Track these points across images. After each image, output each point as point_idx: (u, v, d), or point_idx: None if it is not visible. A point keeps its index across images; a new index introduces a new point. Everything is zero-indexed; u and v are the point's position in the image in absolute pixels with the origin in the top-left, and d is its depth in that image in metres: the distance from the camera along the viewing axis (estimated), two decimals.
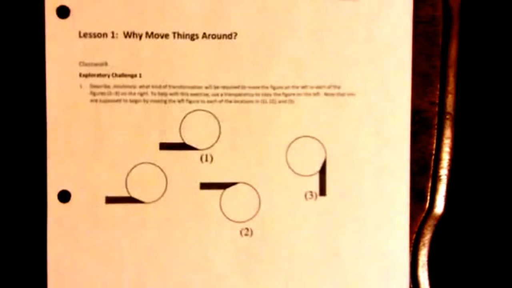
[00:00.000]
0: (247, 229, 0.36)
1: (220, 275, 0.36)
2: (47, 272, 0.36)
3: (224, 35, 0.36)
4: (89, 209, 0.36)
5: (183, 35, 0.36)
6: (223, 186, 0.36)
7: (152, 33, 0.35)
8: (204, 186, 0.36)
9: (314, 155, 0.36)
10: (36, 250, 0.36)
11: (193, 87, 0.36)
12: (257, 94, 0.36)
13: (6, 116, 0.36)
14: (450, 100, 0.37)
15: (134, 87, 0.35)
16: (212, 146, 0.36)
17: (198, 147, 0.36)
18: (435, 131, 0.37)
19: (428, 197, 0.37)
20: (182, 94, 0.36)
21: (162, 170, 0.36)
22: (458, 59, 0.37)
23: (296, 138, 0.36)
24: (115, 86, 0.35)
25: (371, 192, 0.36)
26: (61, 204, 0.35)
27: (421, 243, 0.37)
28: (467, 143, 0.38)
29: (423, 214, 0.37)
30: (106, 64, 0.35)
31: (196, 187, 0.36)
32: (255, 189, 0.36)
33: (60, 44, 0.35)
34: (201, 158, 0.36)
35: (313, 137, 0.36)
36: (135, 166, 0.36)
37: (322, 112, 0.36)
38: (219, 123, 0.36)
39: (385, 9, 0.36)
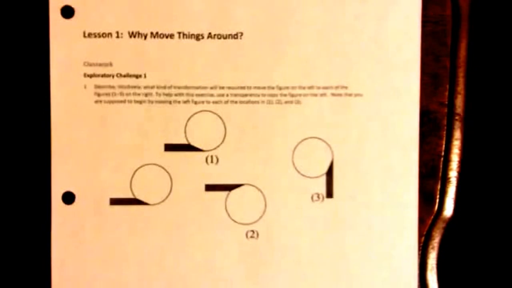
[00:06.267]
0: (252, 231, 0.36)
1: (225, 277, 0.36)
2: (51, 273, 0.35)
3: (229, 35, 0.35)
4: (93, 210, 0.35)
5: (188, 35, 0.35)
6: (229, 187, 0.36)
7: (157, 33, 0.35)
8: (210, 187, 0.36)
9: (321, 156, 0.36)
10: (40, 251, 0.36)
11: (198, 88, 0.35)
12: (263, 95, 0.36)
13: (10, 116, 0.36)
14: (459, 101, 0.37)
15: (139, 87, 0.35)
16: (217, 147, 0.36)
17: (203, 148, 0.36)
18: (444, 132, 0.37)
19: (437, 200, 0.37)
20: (187, 94, 0.35)
21: (167, 172, 0.36)
22: (468, 59, 0.36)
23: (303, 139, 0.36)
24: (120, 87, 0.35)
25: (379, 194, 0.36)
26: (65, 206, 0.35)
27: (430, 246, 0.37)
28: (477, 145, 0.38)
29: (432, 217, 0.37)
30: (110, 64, 0.35)
31: (202, 188, 0.36)
32: (261, 191, 0.36)
33: (65, 44, 0.35)
34: (206, 160, 0.36)
35: (320, 138, 0.36)
36: (139, 168, 0.35)
37: (329, 113, 0.36)
38: (224, 124, 0.36)
39: (393, 8, 0.36)
